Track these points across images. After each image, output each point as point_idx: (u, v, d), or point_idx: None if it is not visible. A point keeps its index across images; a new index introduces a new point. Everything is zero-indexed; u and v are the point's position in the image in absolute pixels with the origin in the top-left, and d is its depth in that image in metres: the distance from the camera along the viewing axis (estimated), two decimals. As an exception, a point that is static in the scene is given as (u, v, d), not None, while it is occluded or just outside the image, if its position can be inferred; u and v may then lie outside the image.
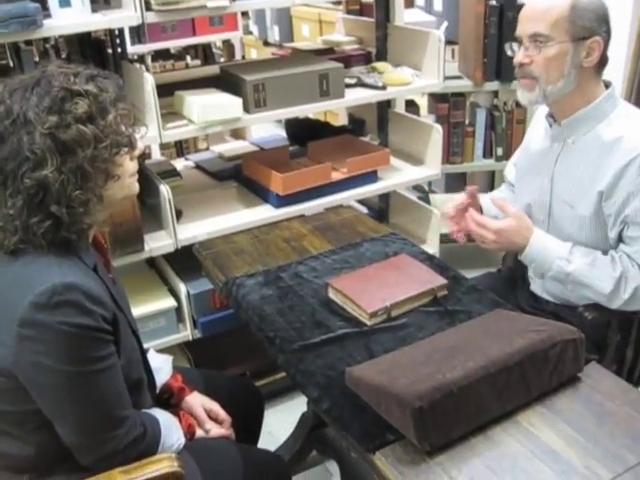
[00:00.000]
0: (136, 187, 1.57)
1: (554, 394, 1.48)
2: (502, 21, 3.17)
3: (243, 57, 5.42)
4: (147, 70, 3.84)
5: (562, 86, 1.83)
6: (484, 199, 2.23)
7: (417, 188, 3.80)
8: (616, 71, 1.93)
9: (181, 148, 4.19)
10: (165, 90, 2.38)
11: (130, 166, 1.52)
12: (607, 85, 1.90)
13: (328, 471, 2.57)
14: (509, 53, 1.94)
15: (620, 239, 1.85)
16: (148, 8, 2.14)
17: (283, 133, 3.56)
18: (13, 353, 1.35)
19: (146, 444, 1.52)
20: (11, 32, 1.96)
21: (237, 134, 4.16)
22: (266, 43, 5.65)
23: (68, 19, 2.09)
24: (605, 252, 1.86)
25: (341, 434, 1.48)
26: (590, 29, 1.79)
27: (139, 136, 1.55)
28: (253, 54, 5.76)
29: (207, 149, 4.02)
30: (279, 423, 2.58)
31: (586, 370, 1.54)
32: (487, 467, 1.31)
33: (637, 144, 1.77)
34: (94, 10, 2.17)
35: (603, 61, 1.85)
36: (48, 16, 2.07)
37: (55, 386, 1.37)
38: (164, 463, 1.45)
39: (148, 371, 1.70)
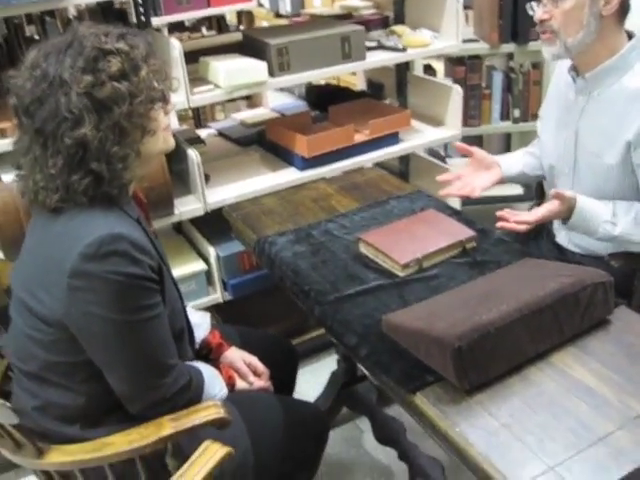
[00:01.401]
0: (172, 141, 1.60)
1: (586, 336, 1.52)
2: (517, -18, 3.19)
3: (255, 29, 5.41)
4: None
5: (582, 37, 1.84)
6: (508, 158, 2.27)
7: (433, 154, 3.81)
8: (635, 23, 1.95)
9: (199, 119, 4.22)
10: (188, 58, 2.41)
11: (164, 120, 1.56)
12: (630, 36, 1.91)
13: (359, 428, 2.62)
14: (530, 12, 1.96)
15: None
16: (174, -26, 2.17)
17: (297, 101, 3.59)
18: (64, 304, 1.40)
19: (192, 393, 1.57)
20: (41, 1, 2.00)
21: (253, 103, 4.20)
22: (277, 15, 5.63)
23: (94, -13, 2.13)
24: None
25: (380, 378, 1.53)
26: None
27: (172, 90, 1.59)
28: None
29: (224, 119, 4.05)
30: (307, 384, 2.62)
31: (616, 313, 1.58)
32: (525, 404, 1.35)
33: None
34: (119, -22, 2.20)
35: (624, 10, 1.86)
36: (74, -15, 2.11)
37: (105, 335, 1.42)
38: (211, 410, 1.51)
39: (188, 324, 1.75)
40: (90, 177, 1.41)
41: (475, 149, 2.15)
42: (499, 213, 1.90)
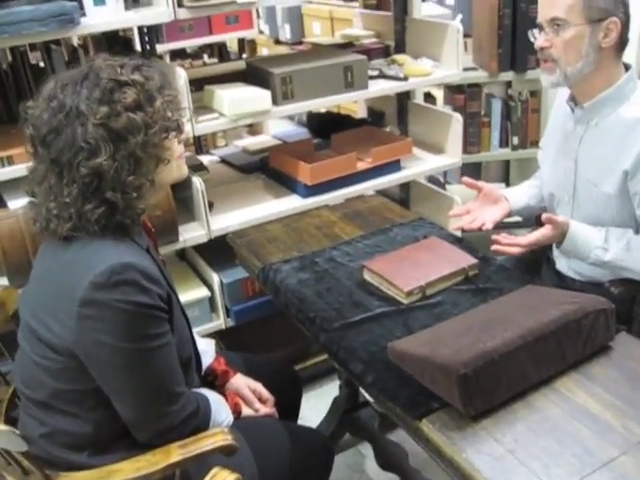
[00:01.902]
0: (185, 169, 1.64)
1: (588, 362, 1.54)
2: (516, 12, 3.23)
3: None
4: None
5: (581, 67, 1.88)
6: (514, 191, 2.30)
7: (433, 181, 3.84)
8: (630, 53, 1.99)
9: (200, 146, 4.24)
10: (191, 86, 2.44)
11: (178, 149, 1.59)
12: (627, 67, 1.95)
13: (361, 453, 2.63)
14: (531, 39, 1.99)
15: None
16: (180, 4, 2.20)
17: (298, 128, 3.62)
18: (74, 332, 1.41)
19: (199, 420, 1.58)
20: (50, 30, 2.03)
21: (254, 130, 4.23)
22: (277, 42, 5.69)
23: (103, 17, 2.16)
24: (636, 231, 1.91)
25: (386, 405, 1.54)
26: (606, 10, 1.84)
27: (185, 120, 1.62)
28: (265, 53, 5.81)
29: (225, 146, 4.07)
30: (310, 409, 2.63)
31: (617, 339, 1.60)
32: (529, 429, 1.37)
33: None
34: (126, 8, 2.23)
35: (623, 42, 1.90)
36: (83, 15, 2.14)
37: (114, 363, 1.43)
38: (219, 437, 1.52)
39: (195, 352, 1.77)
40: (104, 206, 1.44)
41: (483, 184, 2.18)
42: (494, 237, 1.93)
